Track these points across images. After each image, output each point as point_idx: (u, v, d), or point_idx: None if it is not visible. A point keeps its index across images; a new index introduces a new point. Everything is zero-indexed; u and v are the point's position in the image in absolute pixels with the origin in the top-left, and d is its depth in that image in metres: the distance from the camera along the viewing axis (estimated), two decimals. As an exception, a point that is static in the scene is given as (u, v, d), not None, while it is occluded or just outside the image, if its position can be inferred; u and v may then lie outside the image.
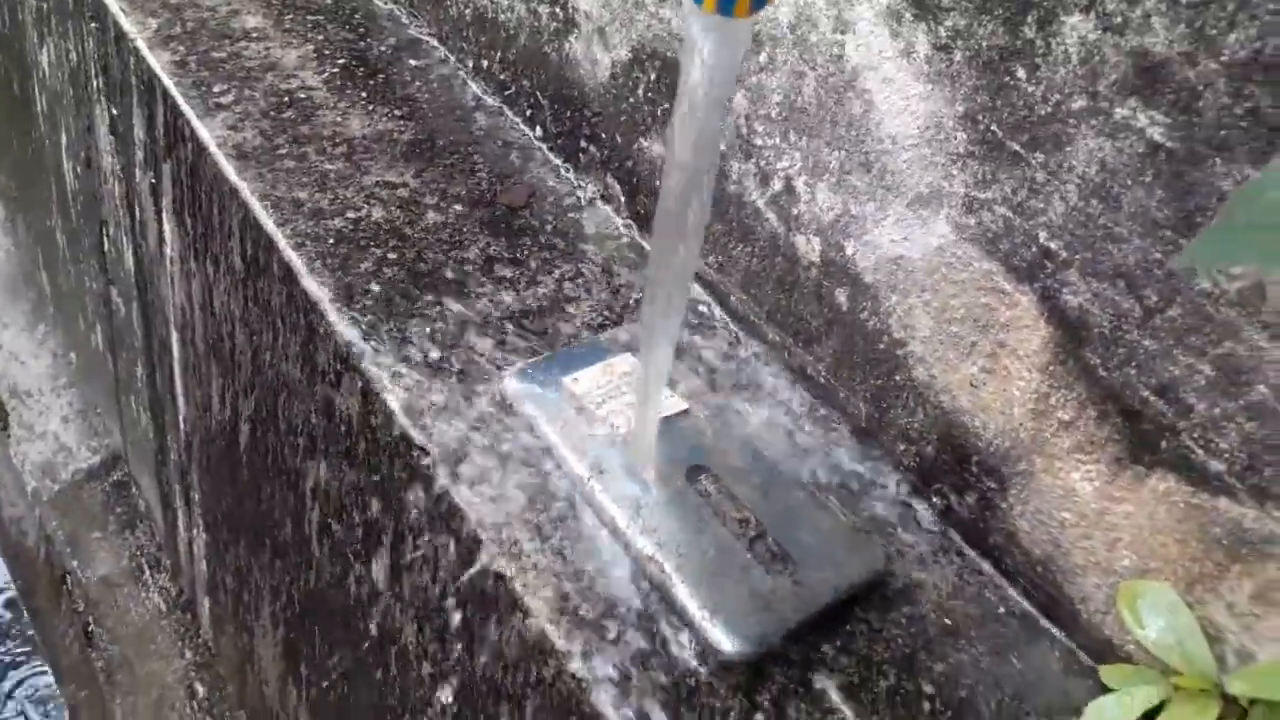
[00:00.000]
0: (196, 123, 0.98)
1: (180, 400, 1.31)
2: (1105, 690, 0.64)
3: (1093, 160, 0.54)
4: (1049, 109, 0.55)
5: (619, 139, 0.89)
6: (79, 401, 1.92)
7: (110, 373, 1.66)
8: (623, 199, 0.92)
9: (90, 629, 1.68)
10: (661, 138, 0.85)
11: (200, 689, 1.53)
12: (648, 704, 0.61)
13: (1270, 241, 0.33)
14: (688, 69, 0.50)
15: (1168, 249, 0.52)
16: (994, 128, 0.58)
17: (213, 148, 0.96)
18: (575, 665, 0.63)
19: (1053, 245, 0.58)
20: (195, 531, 1.44)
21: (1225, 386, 0.53)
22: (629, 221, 0.92)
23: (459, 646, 0.76)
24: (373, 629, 0.90)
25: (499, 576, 0.68)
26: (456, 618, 0.75)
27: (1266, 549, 0.55)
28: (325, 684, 1.08)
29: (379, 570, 0.86)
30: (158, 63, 1.03)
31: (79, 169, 1.50)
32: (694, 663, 0.63)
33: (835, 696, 0.63)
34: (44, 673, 1.86)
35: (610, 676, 0.62)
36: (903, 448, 0.74)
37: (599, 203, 0.94)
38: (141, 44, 1.06)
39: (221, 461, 1.21)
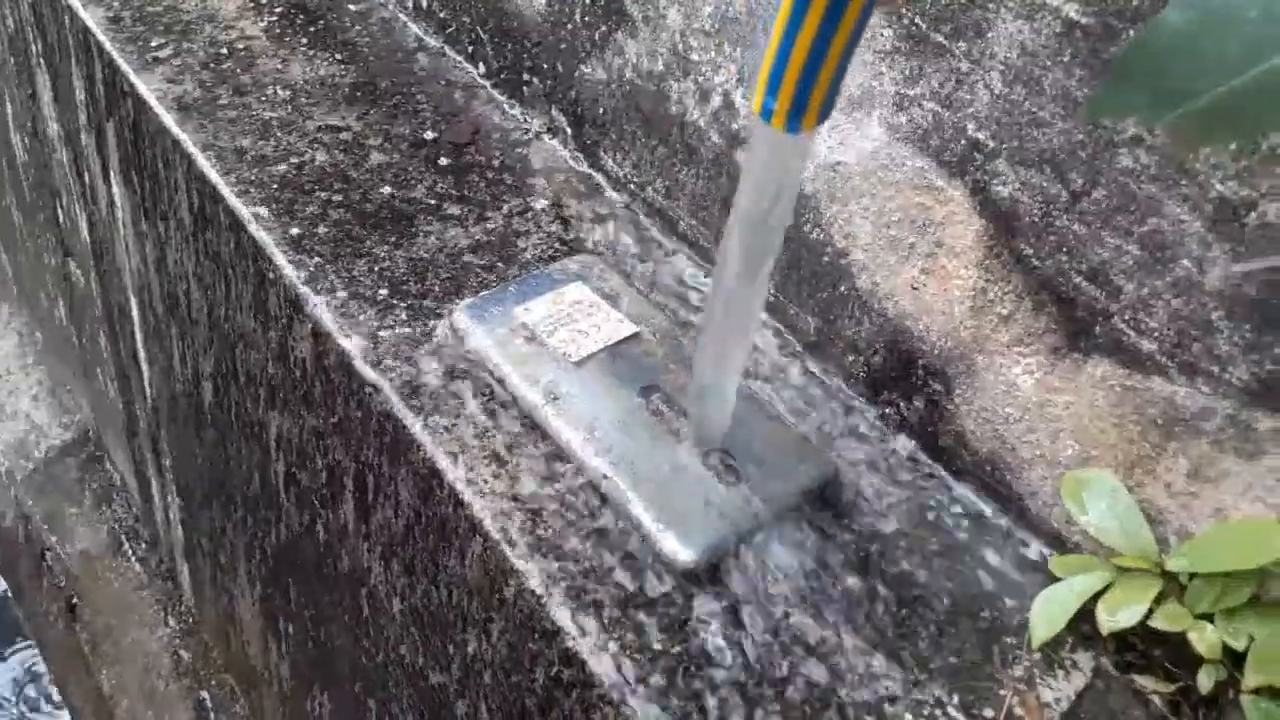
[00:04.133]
0: (134, 78, 0.97)
1: (144, 366, 1.30)
2: (1055, 580, 0.65)
3: (1013, 44, 0.54)
4: (968, -4, 0.55)
5: (560, 68, 0.89)
6: (48, 379, 1.91)
7: (76, 347, 1.65)
8: (569, 131, 0.92)
9: (74, 603, 1.68)
10: (602, 62, 0.84)
11: (185, 655, 1.54)
12: (606, 614, 0.62)
13: (1156, 91, 0.33)
14: (750, 177, 0.50)
15: (1089, 129, 0.52)
16: (918, 20, 0.58)
17: (153, 102, 0.95)
18: (534, 583, 0.64)
19: (980, 136, 0.58)
20: (169, 498, 1.44)
21: (1151, 265, 0.54)
22: (576, 154, 0.92)
23: (425, 579, 0.77)
24: (343, 573, 0.91)
25: (458, 504, 0.69)
26: (421, 550, 0.76)
27: (1199, 425, 0.56)
28: (303, 636, 1.09)
29: (344, 513, 0.86)
30: (92, 19, 1.02)
31: (27, 140, 1.48)
32: (651, 573, 0.64)
33: (790, 601, 0.64)
34: (30, 649, 1.86)
35: (569, 590, 0.63)
36: (851, 359, 0.74)
37: (546, 136, 0.94)
38: (75, 1, 1.04)
39: (188, 424, 1.21)
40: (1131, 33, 0.49)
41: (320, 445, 0.86)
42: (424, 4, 1.04)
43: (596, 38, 0.84)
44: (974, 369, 0.66)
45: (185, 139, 0.91)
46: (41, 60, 1.24)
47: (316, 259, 0.80)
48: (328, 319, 0.77)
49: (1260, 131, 0.48)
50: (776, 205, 0.50)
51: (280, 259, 0.81)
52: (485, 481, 0.68)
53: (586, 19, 0.84)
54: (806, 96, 0.43)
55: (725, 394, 0.64)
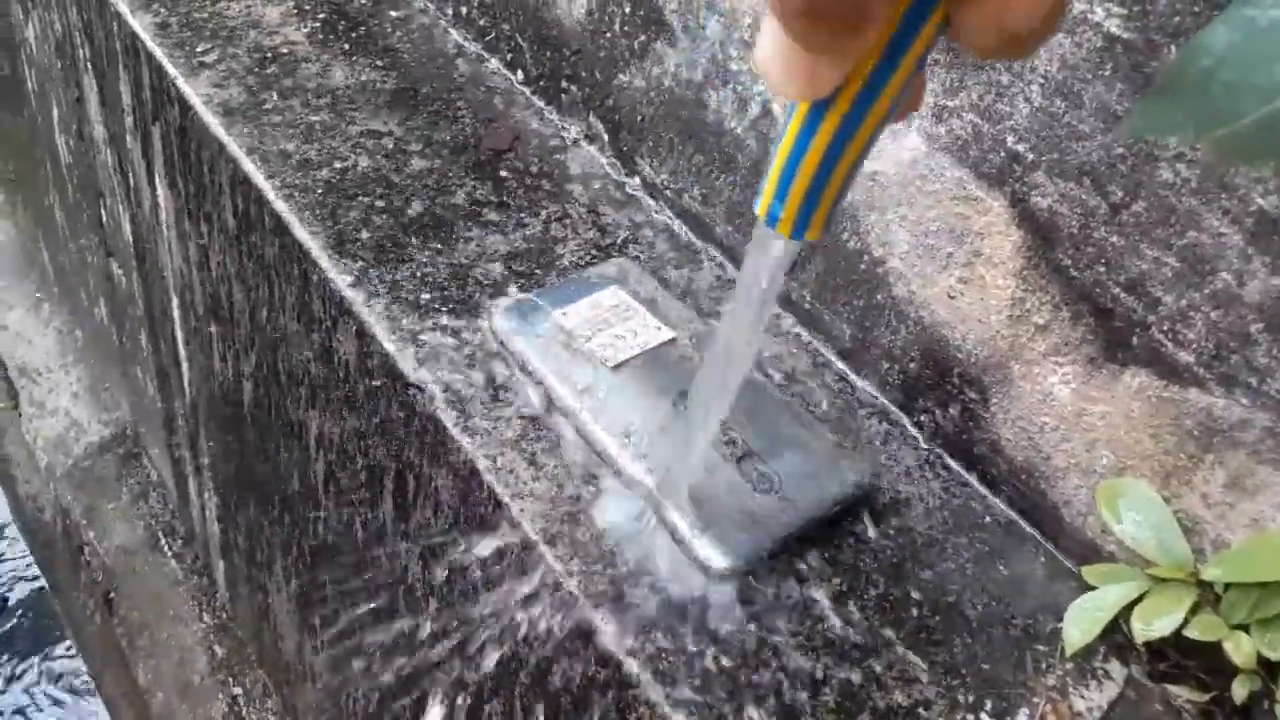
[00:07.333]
0: (182, 83, 0.99)
1: (184, 366, 1.33)
2: (1088, 589, 0.65)
3: (1054, 58, 0.55)
4: (1009, 10, 0.55)
5: (599, 76, 0.90)
6: (87, 376, 1.94)
7: (116, 345, 1.68)
8: (606, 138, 0.93)
9: (110, 597, 1.71)
10: (641, 71, 0.85)
11: (220, 650, 1.57)
12: (640, 617, 0.63)
13: (1198, 111, 0.33)
14: (750, 272, 0.51)
15: (1129, 143, 0.53)
16: (958, 34, 0.59)
17: (199, 106, 0.97)
18: (571, 584, 0.65)
19: (1020, 148, 0.59)
20: (206, 495, 1.46)
21: (1190, 277, 0.54)
22: (613, 160, 0.93)
23: (462, 578, 0.78)
24: (380, 572, 0.92)
25: (497, 505, 0.70)
26: (459, 550, 0.77)
27: (1236, 436, 0.56)
28: (338, 634, 1.11)
29: (384, 512, 0.88)
30: (140, 25, 1.04)
31: (72, 142, 1.51)
32: (687, 577, 0.65)
33: (824, 606, 0.65)
34: (67, 643, 1.90)
35: (604, 592, 0.64)
36: (886, 366, 0.75)
37: (583, 143, 0.95)
38: (123, 8, 1.06)
39: (227, 423, 1.23)
40: (1173, 49, 0.49)
41: (361, 445, 0.87)
42: (464, 11, 1.06)
43: (636, 47, 0.85)
44: (1010, 378, 0.66)
45: (231, 142, 0.93)
46: (89, 65, 1.27)
47: (360, 263, 0.82)
48: (372, 322, 0.78)
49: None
50: (766, 291, 0.51)
51: (325, 262, 0.82)
52: (524, 483, 0.70)
53: (626, 28, 0.85)
54: (813, 208, 0.43)
55: (700, 441, 0.63)
